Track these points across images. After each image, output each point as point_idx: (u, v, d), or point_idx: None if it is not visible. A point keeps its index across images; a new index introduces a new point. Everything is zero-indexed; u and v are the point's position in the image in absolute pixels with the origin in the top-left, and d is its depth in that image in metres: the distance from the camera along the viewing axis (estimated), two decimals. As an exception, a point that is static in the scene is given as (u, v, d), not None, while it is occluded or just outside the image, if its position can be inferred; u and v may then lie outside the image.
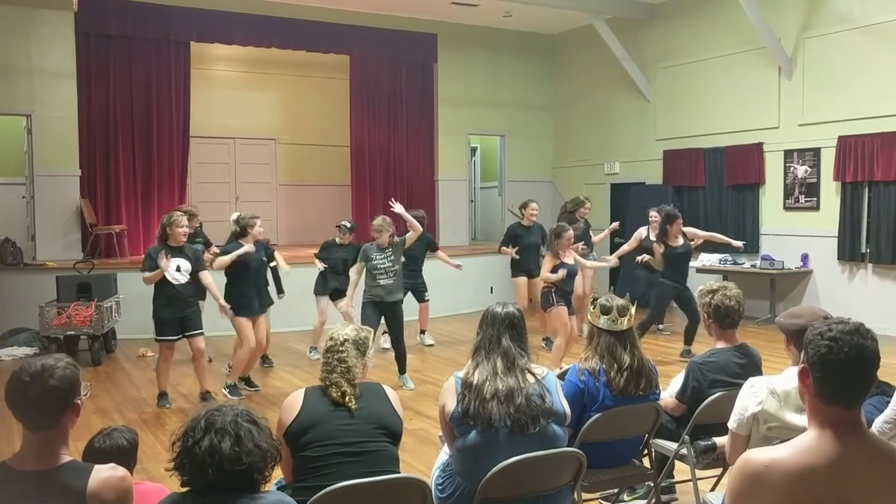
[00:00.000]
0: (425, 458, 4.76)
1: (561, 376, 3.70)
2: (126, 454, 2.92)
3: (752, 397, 2.99)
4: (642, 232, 9.26)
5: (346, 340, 3.03)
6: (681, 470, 4.08)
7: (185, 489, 2.10)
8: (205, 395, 6.58)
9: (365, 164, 12.87)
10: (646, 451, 3.81)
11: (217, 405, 2.18)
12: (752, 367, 3.75)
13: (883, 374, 2.22)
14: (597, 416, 3.46)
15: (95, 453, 2.87)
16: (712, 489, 3.99)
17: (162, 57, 11.30)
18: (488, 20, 12.95)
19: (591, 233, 9.46)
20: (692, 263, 8.86)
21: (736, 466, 1.90)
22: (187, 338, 6.54)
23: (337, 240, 8.39)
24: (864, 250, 9.48)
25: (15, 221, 10.54)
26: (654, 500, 3.82)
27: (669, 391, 3.93)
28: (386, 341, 7.85)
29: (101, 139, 10.95)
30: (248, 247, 6.73)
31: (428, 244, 8.96)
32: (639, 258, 8.40)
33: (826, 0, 9.72)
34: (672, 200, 11.24)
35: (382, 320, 7.15)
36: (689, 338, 8.00)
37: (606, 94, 13.00)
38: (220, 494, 2.05)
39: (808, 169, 10.05)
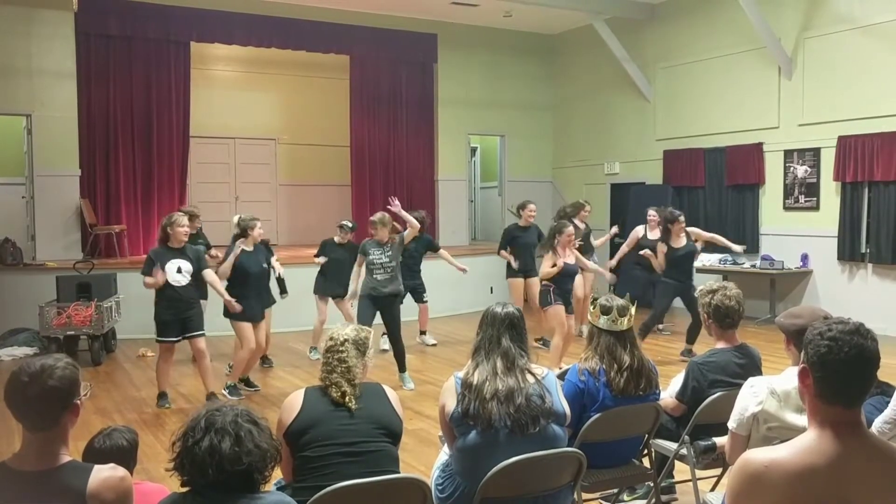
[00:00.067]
0: (425, 458, 4.76)
1: (561, 376, 3.70)
2: (126, 454, 2.92)
3: (751, 397, 2.99)
4: (639, 231, 9.26)
5: (346, 340, 3.03)
6: (681, 470, 4.08)
7: (185, 489, 2.10)
8: (210, 397, 6.50)
9: (365, 165, 12.87)
10: (646, 452, 3.81)
11: (217, 405, 2.18)
12: (751, 367, 3.75)
13: (883, 374, 2.22)
14: (597, 416, 3.46)
15: (95, 453, 2.87)
16: (712, 489, 3.99)
17: (162, 57, 11.30)
18: (488, 20, 12.95)
19: (591, 237, 9.46)
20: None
21: (736, 466, 1.90)
22: (188, 339, 6.53)
23: (336, 239, 8.39)
24: (863, 250, 9.48)
25: (15, 221, 10.54)
26: (653, 501, 3.82)
27: (669, 391, 3.93)
28: (385, 342, 7.85)
29: (101, 139, 10.95)
30: (239, 249, 6.69)
31: (427, 245, 8.94)
32: (641, 251, 8.40)
33: (826, 0, 9.72)
34: (672, 201, 11.26)
35: (380, 320, 7.15)
36: (691, 337, 7.98)
37: (606, 94, 13.00)
38: (220, 494, 2.05)
39: (808, 169, 10.06)
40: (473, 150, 15.31)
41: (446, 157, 13.45)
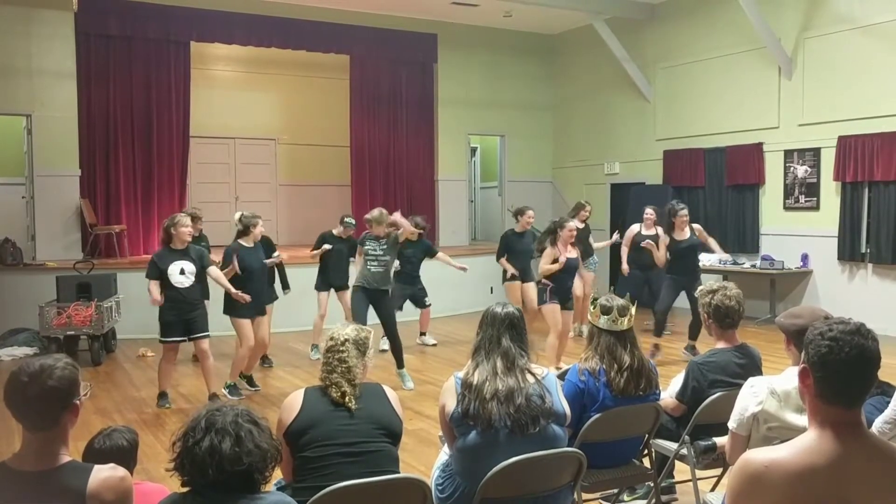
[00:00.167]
0: (425, 458, 4.75)
1: (561, 376, 3.70)
2: (126, 454, 2.92)
3: (752, 397, 2.99)
4: (634, 228, 9.25)
5: (346, 340, 3.02)
6: (681, 470, 4.08)
7: (185, 489, 2.10)
8: (212, 398, 6.49)
9: (365, 165, 12.87)
10: (646, 452, 3.81)
11: (217, 405, 2.18)
12: (752, 367, 3.75)
13: (883, 375, 2.22)
14: (597, 416, 3.46)
15: (95, 454, 2.87)
16: (712, 489, 3.99)
17: (162, 57, 11.30)
18: (488, 20, 12.95)
19: (591, 238, 9.44)
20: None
21: (736, 467, 1.90)
22: (192, 340, 6.53)
23: (335, 231, 8.40)
24: (864, 250, 9.48)
25: (15, 221, 10.54)
26: (654, 501, 3.82)
27: (669, 391, 3.93)
28: (385, 343, 7.86)
29: (101, 139, 10.95)
30: (234, 263, 6.67)
31: (426, 251, 8.94)
32: (643, 243, 8.34)
33: (826, 0, 9.72)
34: (672, 200, 11.25)
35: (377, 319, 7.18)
36: (693, 333, 7.97)
37: (606, 94, 13.01)
38: (221, 494, 2.05)
39: (808, 169, 10.06)
40: (473, 151, 15.31)
41: (446, 157, 13.46)
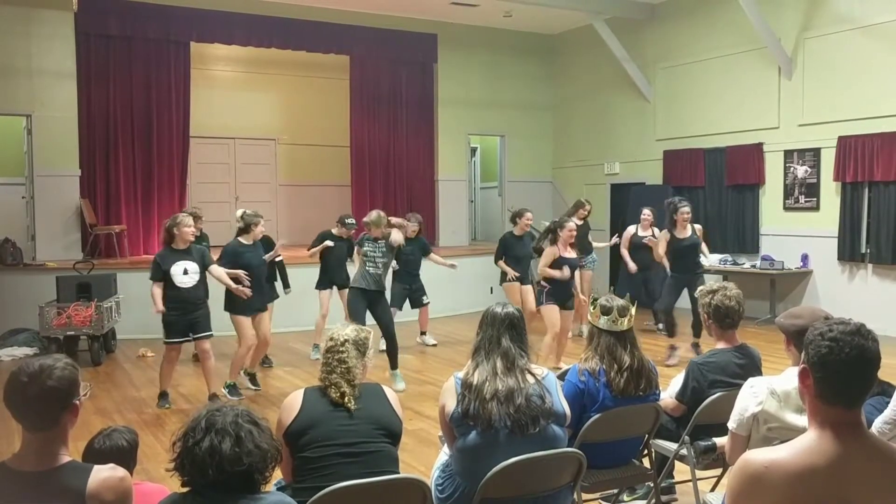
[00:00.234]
0: (425, 458, 4.75)
1: (561, 377, 3.70)
2: (126, 455, 2.92)
3: (751, 398, 2.99)
4: (630, 230, 9.26)
5: (346, 341, 3.02)
6: (681, 470, 4.08)
7: (185, 489, 2.10)
8: (212, 398, 6.49)
9: (365, 165, 12.87)
10: (646, 452, 3.81)
11: (217, 406, 2.18)
12: (751, 367, 3.75)
13: (883, 375, 2.22)
14: (597, 416, 3.46)
15: (95, 454, 2.86)
16: (712, 490, 3.99)
17: (162, 57, 11.30)
18: (488, 20, 12.95)
19: (590, 237, 9.44)
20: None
21: (736, 467, 1.90)
22: (195, 340, 6.53)
23: (334, 231, 8.39)
24: (864, 251, 9.48)
25: (15, 221, 10.54)
26: (653, 501, 3.82)
27: (669, 391, 3.93)
28: (384, 343, 7.86)
29: (101, 139, 10.95)
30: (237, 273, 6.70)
31: (423, 248, 8.95)
32: (646, 240, 8.31)
33: (826, 0, 9.72)
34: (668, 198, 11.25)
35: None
36: (696, 331, 7.93)
37: (606, 94, 13.01)
38: (221, 495, 2.05)
39: (808, 169, 10.06)
40: (473, 151, 15.31)
41: (446, 157, 13.46)
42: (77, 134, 10.67)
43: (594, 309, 3.70)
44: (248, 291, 6.51)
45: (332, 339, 3.05)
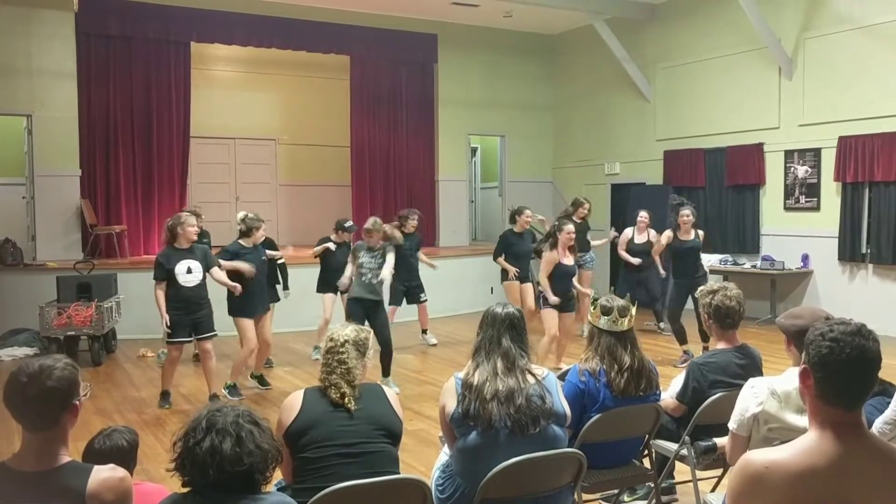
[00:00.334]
0: (425, 458, 4.75)
1: (561, 377, 3.70)
2: (126, 455, 2.92)
3: (752, 398, 2.99)
4: (628, 233, 9.25)
5: (346, 342, 3.02)
6: (681, 471, 4.08)
7: (185, 489, 2.10)
8: (213, 398, 6.49)
9: (365, 165, 12.87)
10: (646, 452, 3.81)
11: (218, 406, 2.18)
12: (752, 367, 3.75)
13: (884, 375, 2.22)
14: (597, 416, 3.46)
15: (95, 454, 2.86)
16: (713, 490, 3.98)
17: (162, 57, 11.30)
18: (488, 20, 12.95)
19: (589, 236, 9.44)
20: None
21: (736, 467, 1.90)
22: (197, 340, 6.53)
23: (333, 237, 8.39)
24: (864, 251, 9.48)
25: (15, 222, 10.54)
26: (654, 501, 3.82)
27: (670, 392, 3.93)
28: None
29: (102, 139, 10.96)
30: (247, 269, 6.71)
31: (418, 245, 8.98)
32: (661, 242, 8.23)
33: (826, 0, 9.72)
34: (670, 198, 11.25)
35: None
36: (705, 336, 7.83)
37: (607, 94, 13.01)
38: (221, 495, 2.05)
39: (809, 169, 10.05)
40: (474, 151, 15.31)
41: (446, 157, 13.46)
42: (77, 134, 10.67)
43: (594, 309, 3.70)
44: (238, 287, 6.52)
45: (331, 339, 3.05)
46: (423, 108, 13.30)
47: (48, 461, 2.10)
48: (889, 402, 3.05)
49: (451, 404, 3.10)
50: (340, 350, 2.99)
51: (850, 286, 9.66)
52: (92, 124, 10.85)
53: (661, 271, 8.67)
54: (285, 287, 8.34)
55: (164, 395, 6.61)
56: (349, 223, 8.43)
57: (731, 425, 3.04)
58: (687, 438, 3.69)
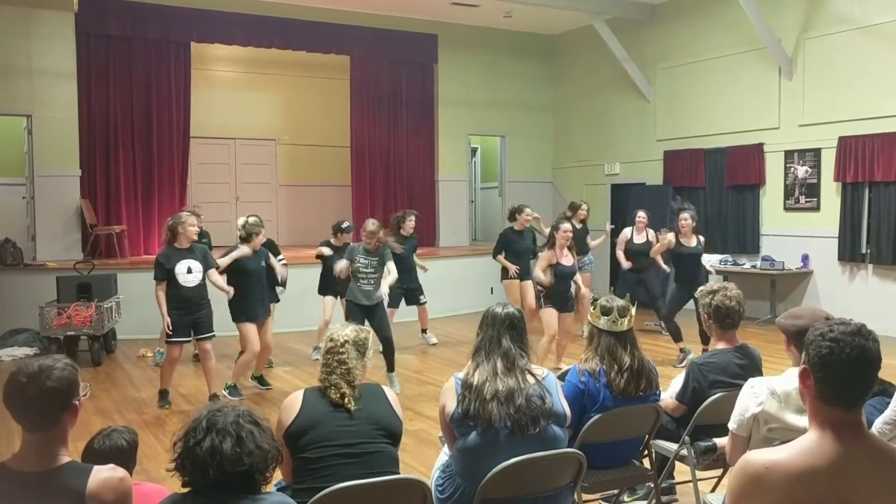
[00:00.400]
0: (425, 458, 4.75)
1: (561, 377, 3.70)
2: (125, 455, 2.92)
3: (752, 398, 2.99)
4: (626, 233, 9.23)
5: (346, 342, 3.02)
6: (681, 471, 4.08)
7: (185, 489, 2.10)
8: (213, 398, 6.49)
9: (365, 165, 12.87)
10: (646, 452, 3.81)
11: (218, 406, 2.18)
12: (752, 367, 3.75)
13: (884, 375, 2.22)
14: (597, 416, 3.46)
15: (94, 454, 2.86)
16: (713, 490, 3.98)
17: (162, 57, 11.30)
18: (488, 21, 12.95)
19: (588, 239, 9.44)
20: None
21: (736, 467, 1.90)
22: (197, 340, 6.54)
23: (332, 241, 8.38)
24: (864, 251, 9.48)
25: (15, 222, 10.54)
26: (654, 501, 3.82)
27: (669, 392, 3.93)
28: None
29: (102, 140, 10.95)
30: (244, 250, 6.72)
31: (415, 247, 8.98)
32: (664, 237, 8.20)
33: (826, 1, 9.72)
34: (672, 200, 11.25)
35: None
36: (705, 339, 7.86)
37: (607, 94, 13.01)
38: (221, 495, 2.05)
39: (809, 169, 10.05)
40: (474, 151, 15.31)
41: (446, 157, 13.46)
42: (77, 134, 10.66)
43: (594, 309, 3.70)
44: (230, 289, 6.57)
45: (331, 339, 3.04)
46: (423, 109, 13.30)
47: (48, 461, 2.10)
48: (889, 402, 3.05)
49: (451, 404, 3.10)
50: (340, 350, 2.99)
51: (850, 286, 9.66)
52: (92, 124, 10.84)
53: (664, 268, 8.65)
54: (281, 284, 8.28)
55: (163, 395, 6.61)
56: (346, 224, 8.42)
57: (731, 425, 3.04)
58: (687, 438, 3.69)
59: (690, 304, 8.01)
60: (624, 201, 12.28)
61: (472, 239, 14.47)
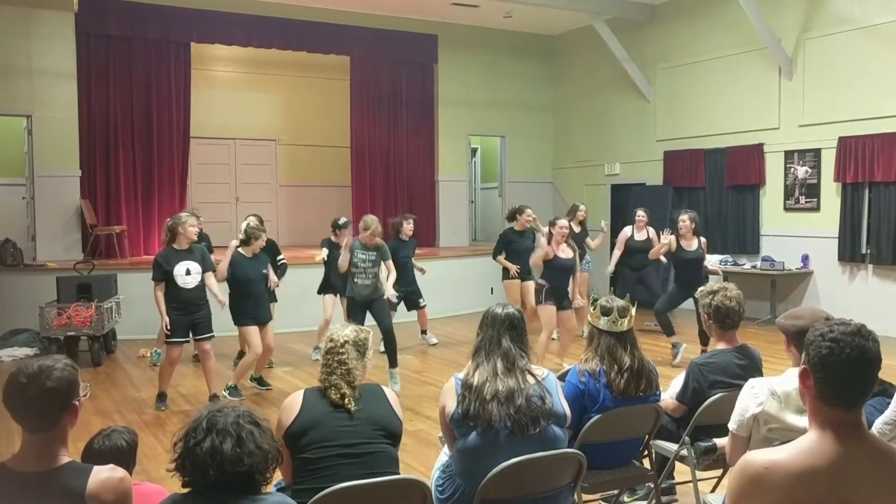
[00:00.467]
0: (425, 459, 4.75)
1: (561, 377, 3.70)
2: (125, 455, 2.92)
3: (752, 398, 2.99)
4: (627, 231, 9.22)
5: (346, 342, 3.02)
6: (681, 471, 4.08)
7: (186, 490, 2.11)
8: (213, 398, 6.50)
9: (365, 165, 12.87)
10: (646, 453, 3.81)
11: (219, 406, 2.18)
12: (752, 368, 3.75)
13: (884, 375, 2.22)
14: (597, 417, 3.46)
15: (94, 454, 2.86)
16: (713, 490, 3.98)
17: (162, 57, 11.30)
18: (488, 21, 12.95)
19: (587, 240, 9.43)
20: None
21: (736, 468, 1.90)
22: (196, 341, 6.54)
23: (332, 238, 8.39)
24: (864, 251, 9.48)
25: (15, 222, 10.54)
26: (654, 502, 3.81)
27: (669, 392, 3.93)
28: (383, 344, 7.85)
29: (102, 140, 10.95)
30: (232, 250, 6.75)
31: (413, 250, 8.99)
32: (667, 238, 8.17)
33: (826, 1, 9.72)
34: (672, 201, 11.27)
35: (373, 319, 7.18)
36: (704, 339, 7.87)
37: (607, 94, 13.00)
38: (222, 495, 2.05)
39: (809, 170, 10.05)
40: (474, 151, 15.32)
41: (446, 157, 13.46)
42: (77, 134, 10.66)
43: (594, 310, 3.70)
44: (224, 300, 6.61)
45: (331, 340, 3.04)
46: (423, 109, 13.30)
47: (48, 462, 2.10)
48: (889, 403, 3.05)
49: (451, 405, 3.10)
50: (340, 351, 2.99)
51: (850, 286, 9.66)
52: (92, 124, 10.85)
53: (663, 259, 8.64)
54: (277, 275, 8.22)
55: (161, 397, 6.60)
56: (342, 220, 8.43)
57: (731, 426, 3.04)
58: (687, 439, 3.69)
59: (690, 305, 8.04)
60: (624, 201, 12.28)
61: (472, 239, 14.47)
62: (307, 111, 13.74)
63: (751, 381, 3.09)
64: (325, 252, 8.17)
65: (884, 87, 9.09)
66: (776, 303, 10.26)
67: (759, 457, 1.85)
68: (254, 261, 6.90)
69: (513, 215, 8.91)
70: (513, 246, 8.75)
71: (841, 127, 9.50)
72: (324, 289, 8.39)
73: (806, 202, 10.13)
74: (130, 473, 2.66)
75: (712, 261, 10.26)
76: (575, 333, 7.72)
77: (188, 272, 6.32)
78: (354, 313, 7.03)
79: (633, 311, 3.72)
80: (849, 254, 9.57)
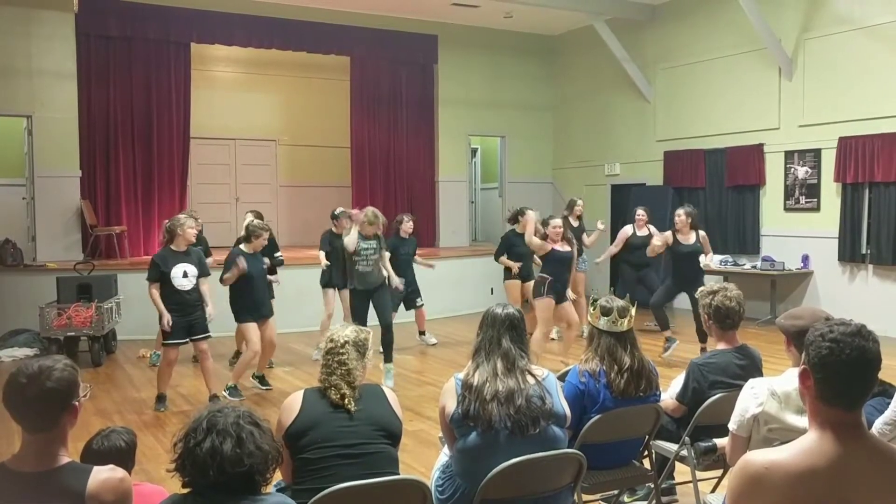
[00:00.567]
0: (425, 459, 4.75)
1: (561, 378, 3.70)
2: (124, 455, 2.92)
3: (752, 399, 2.98)
4: (627, 230, 9.22)
5: (346, 342, 3.02)
6: (681, 471, 4.08)
7: (186, 490, 2.11)
8: (212, 398, 6.52)
9: (365, 166, 12.88)
10: (646, 453, 3.81)
11: (219, 406, 2.18)
12: (752, 368, 3.75)
13: (884, 376, 2.22)
14: (597, 417, 3.46)
15: (93, 454, 2.87)
16: (713, 491, 3.98)
17: (162, 58, 11.30)
18: (489, 21, 12.95)
19: (584, 236, 9.43)
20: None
21: (736, 468, 1.90)
22: (193, 341, 6.55)
23: (333, 230, 8.40)
24: (864, 251, 9.48)
25: (15, 222, 10.54)
26: (654, 502, 3.81)
27: (670, 392, 3.92)
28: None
29: (102, 140, 10.95)
30: (242, 264, 6.72)
31: (414, 248, 8.99)
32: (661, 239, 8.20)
33: (826, 1, 9.72)
34: (672, 202, 11.26)
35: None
36: (702, 336, 7.86)
37: (607, 94, 13.01)
38: (222, 496, 2.05)
39: (809, 170, 10.05)
40: (474, 151, 15.32)
41: (447, 157, 13.46)
42: (77, 135, 10.66)
43: (594, 310, 3.70)
44: (212, 313, 6.51)
45: (331, 340, 3.04)
46: (423, 109, 13.30)
47: (48, 462, 2.10)
48: (889, 403, 3.05)
49: (451, 405, 3.10)
50: (340, 351, 2.99)
51: (850, 287, 9.66)
52: (92, 125, 10.84)
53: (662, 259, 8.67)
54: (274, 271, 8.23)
55: (160, 399, 6.61)
56: (338, 210, 8.46)
57: (731, 426, 3.03)
58: (687, 439, 3.69)
59: (688, 305, 8.06)
60: (624, 202, 12.28)
61: (472, 239, 14.47)
62: (307, 111, 13.74)
63: (751, 381, 3.08)
64: (323, 256, 8.20)
65: (884, 87, 9.09)
66: (776, 303, 10.26)
67: (759, 457, 1.85)
68: (255, 258, 6.92)
69: (514, 217, 8.91)
70: (514, 248, 8.75)
71: (841, 127, 9.50)
72: (325, 281, 8.39)
73: (806, 202, 10.13)
74: (129, 474, 2.66)
75: (714, 259, 10.27)
76: (577, 328, 7.72)
77: (185, 274, 6.35)
78: (358, 305, 7.04)
79: (633, 311, 3.72)
80: (849, 254, 9.57)
